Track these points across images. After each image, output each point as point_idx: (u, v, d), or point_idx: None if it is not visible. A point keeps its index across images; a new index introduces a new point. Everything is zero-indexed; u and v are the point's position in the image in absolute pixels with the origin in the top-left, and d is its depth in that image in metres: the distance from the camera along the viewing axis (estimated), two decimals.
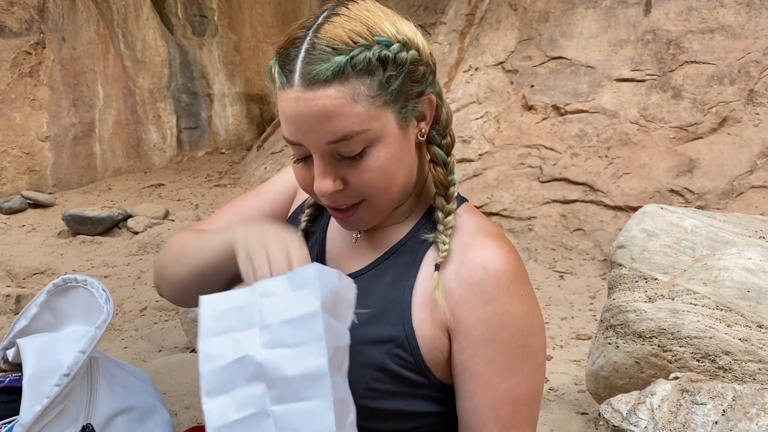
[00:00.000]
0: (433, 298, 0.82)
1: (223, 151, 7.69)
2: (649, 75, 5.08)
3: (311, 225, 1.00)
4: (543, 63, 5.49)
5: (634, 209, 4.18)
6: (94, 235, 4.95)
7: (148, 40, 7.06)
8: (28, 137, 6.23)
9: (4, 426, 0.88)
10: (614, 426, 1.75)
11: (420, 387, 0.83)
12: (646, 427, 1.67)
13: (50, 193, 6.13)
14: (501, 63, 5.67)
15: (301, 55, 0.78)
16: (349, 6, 0.81)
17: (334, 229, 0.98)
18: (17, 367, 0.95)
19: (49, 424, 0.86)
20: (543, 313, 3.69)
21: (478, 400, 0.80)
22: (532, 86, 5.42)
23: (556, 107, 5.25)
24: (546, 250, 4.72)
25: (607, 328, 2.03)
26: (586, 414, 2.36)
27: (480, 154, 5.32)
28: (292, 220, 1.02)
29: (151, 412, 0.99)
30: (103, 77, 6.70)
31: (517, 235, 4.88)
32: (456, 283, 0.82)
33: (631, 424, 1.68)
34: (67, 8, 6.46)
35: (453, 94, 5.67)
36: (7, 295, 3.82)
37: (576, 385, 2.66)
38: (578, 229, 4.82)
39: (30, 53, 6.24)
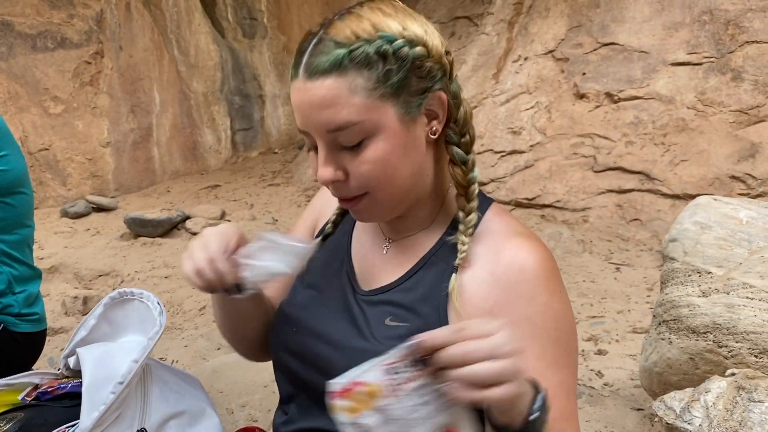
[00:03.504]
0: (479, 307, 0.83)
1: (276, 150, 7.81)
2: (706, 57, 4.90)
3: (333, 229, 1.03)
4: (594, 50, 5.37)
5: (693, 197, 4.05)
6: (154, 237, 5.11)
7: (200, 44, 7.23)
8: (91, 144, 6.47)
9: (68, 429, 0.93)
10: (668, 424, 1.72)
11: None
12: (700, 425, 1.63)
13: (112, 197, 6.36)
14: (551, 51, 5.57)
15: (309, 48, 0.82)
16: (364, 5, 0.84)
17: (362, 241, 0.99)
18: (78, 374, 1.01)
19: (107, 429, 0.91)
20: (598, 306, 3.62)
21: None
22: (584, 74, 5.31)
23: (609, 95, 5.13)
24: (601, 242, 4.62)
25: (660, 324, 1.98)
26: (642, 410, 2.31)
27: (531, 145, 5.25)
28: (321, 231, 1.05)
29: (201, 415, 1.03)
30: (159, 83, 6.90)
31: (571, 226, 4.80)
32: (492, 286, 0.83)
33: (685, 422, 1.65)
34: (123, 17, 6.67)
35: (502, 85, 5.61)
36: (75, 297, 4.00)
37: (632, 380, 2.61)
38: (635, 220, 4.70)
39: (90, 63, 6.48)
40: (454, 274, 0.85)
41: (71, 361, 1.00)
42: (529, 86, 5.50)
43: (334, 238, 1.02)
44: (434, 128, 0.86)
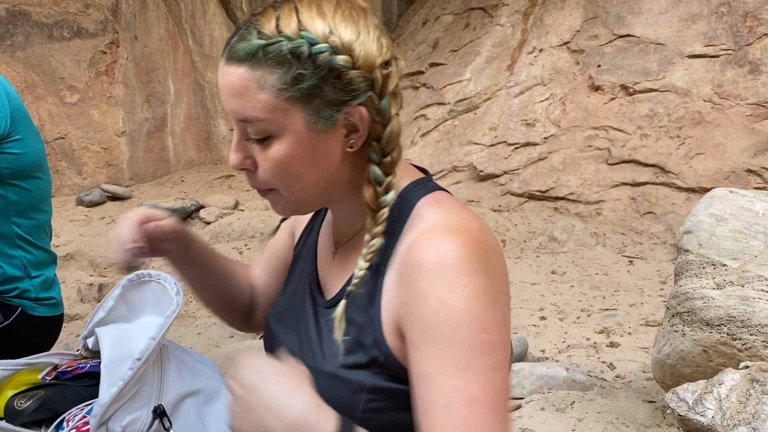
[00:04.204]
0: (396, 317, 0.78)
1: None
2: (723, 50, 4.85)
3: (306, 238, 1.02)
4: (610, 42, 5.33)
5: (708, 191, 4.02)
6: None
7: (215, 35, 7.25)
8: (106, 133, 6.52)
9: (87, 407, 0.95)
10: (680, 415, 1.71)
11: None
12: (713, 417, 1.62)
13: (127, 186, 6.41)
14: (566, 43, 5.53)
15: (239, 31, 0.81)
16: None
17: (323, 244, 0.96)
18: (96, 354, 1.03)
19: (125, 404, 0.92)
20: (611, 299, 3.61)
21: (426, 402, 0.73)
22: (599, 66, 5.27)
23: (624, 87, 5.09)
24: (615, 235, 4.60)
25: (673, 316, 1.98)
26: (654, 402, 2.31)
27: (545, 138, 5.23)
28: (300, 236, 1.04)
29: (217, 394, 1.04)
30: (174, 73, 6.92)
31: (584, 219, 4.78)
32: (400, 286, 0.78)
33: (698, 413, 1.64)
34: (138, 7, 6.70)
35: (516, 76, 5.58)
36: (90, 284, 4.04)
37: (644, 372, 2.60)
38: (649, 213, 4.68)
39: (105, 52, 6.51)
40: (342, 301, 0.81)
41: (90, 341, 1.02)
42: (543, 78, 5.48)
43: (308, 239, 1.01)
44: (352, 141, 0.81)
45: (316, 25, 0.78)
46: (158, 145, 6.83)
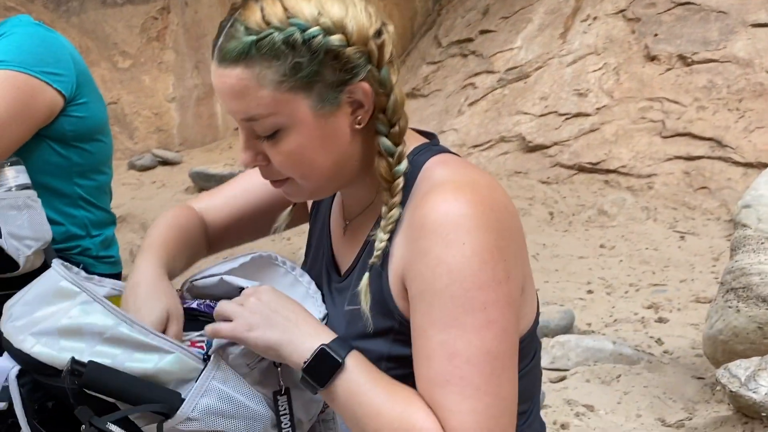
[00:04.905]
0: (402, 278, 0.79)
1: None
2: None
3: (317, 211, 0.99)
4: (668, 9, 5.14)
5: (767, 166, 3.89)
6: None
7: None
8: (157, 98, 6.63)
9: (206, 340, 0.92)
10: (731, 392, 1.69)
11: None
12: (766, 395, 1.60)
13: (177, 152, 6.53)
14: (622, 11, 5.36)
15: (224, 31, 0.79)
16: None
17: (335, 219, 0.95)
18: (200, 296, 0.99)
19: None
20: (660, 274, 3.55)
21: (415, 353, 0.76)
22: (656, 35, 5.11)
23: (681, 57, 4.93)
24: (666, 210, 4.50)
25: (727, 291, 1.94)
26: (703, 378, 2.27)
27: (597, 108, 5.12)
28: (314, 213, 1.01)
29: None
30: None
31: (635, 193, 4.69)
32: (405, 249, 0.79)
33: (750, 390, 1.62)
34: None
35: (569, 45, 5.45)
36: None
37: (693, 348, 2.57)
38: (703, 188, 4.55)
39: (156, 18, 6.60)
40: (366, 274, 0.81)
41: (200, 283, 0.98)
42: (597, 47, 5.33)
43: (317, 217, 0.99)
44: (359, 117, 0.80)
45: (303, 9, 0.76)
46: (207, 112, 6.92)
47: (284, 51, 0.75)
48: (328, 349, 0.76)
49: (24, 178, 1.55)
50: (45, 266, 1.64)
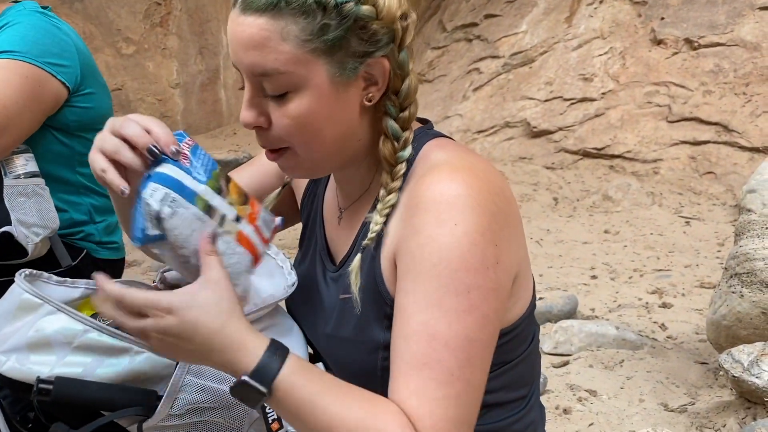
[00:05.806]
0: (394, 258, 0.78)
1: None
2: None
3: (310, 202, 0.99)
4: None
5: None
6: None
7: None
8: (161, 84, 6.62)
9: None
10: (734, 377, 1.69)
11: None
12: None
13: None
14: None
15: None
16: None
17: (329, 208, 0.95)
18: (173, 287, 1.01)
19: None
20: (665, 260, 3.54)
21: (395, 332, 0.74)
22: (662, 18, 5.06)
23: (688, 41, 4.89)
24: (672, 195, 4.48)
25: (731, 276, 1.93)
26: (706, 363, 2.27)
27: (603, 93, 5.08)
28: (303, 204, 1.01)
29: (290, 331, 1.06)
30: (226, 25, 6.96)
31: (641, 178, 4.66)
32: (400, 228, 0.78)
33: (753, 375, 1.61)
34: None
35: (575, 29, 5.41)
36: None
37: (696, 334, 2.56)
38: (709, 173, 4.53)
39: (160, 4, 6.57)
40: (358, 255, 0.80)
41: (169, 274, 1.00)
42: (603, 31, 5.29)
43: (313, 204, 0.98)
44: (371, 95, 0.79)
45: None
46: (211, 98, 6.91)
47: (314, 9, 0.74)
48: (249, 381, 0.70)
49: (33, 166, 1.56)
50: (50, 253, 1.66)
